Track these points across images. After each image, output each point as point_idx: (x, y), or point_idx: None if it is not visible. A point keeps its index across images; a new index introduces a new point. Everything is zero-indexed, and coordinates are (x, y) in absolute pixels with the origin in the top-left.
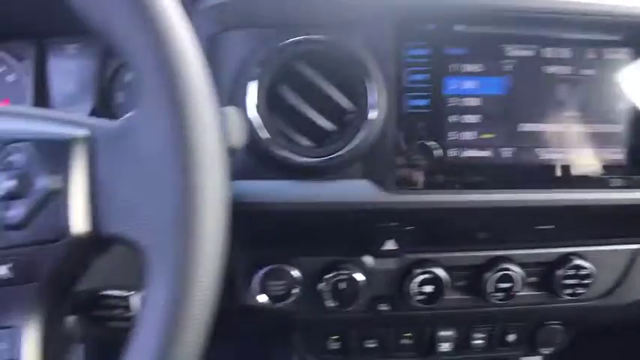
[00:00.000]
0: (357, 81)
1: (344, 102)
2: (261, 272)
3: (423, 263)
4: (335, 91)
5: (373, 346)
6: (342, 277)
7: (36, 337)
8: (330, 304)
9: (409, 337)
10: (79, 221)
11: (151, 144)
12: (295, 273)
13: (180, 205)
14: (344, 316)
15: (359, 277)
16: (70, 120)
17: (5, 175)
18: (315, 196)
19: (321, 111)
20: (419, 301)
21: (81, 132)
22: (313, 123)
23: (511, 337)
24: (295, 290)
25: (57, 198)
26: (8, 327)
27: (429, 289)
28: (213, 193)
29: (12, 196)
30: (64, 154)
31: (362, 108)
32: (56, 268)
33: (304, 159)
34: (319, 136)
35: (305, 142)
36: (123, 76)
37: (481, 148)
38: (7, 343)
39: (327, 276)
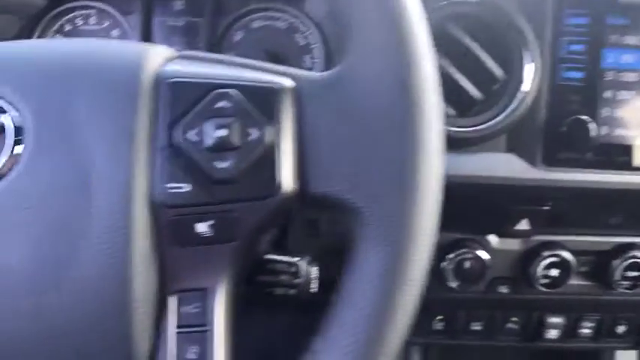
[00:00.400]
0: (512, 48)
1: (496, 69)
2: None
3: (550, 245)
4: (487, 58)
5: (478, 328)
6: (467, 255)
7: (226, 300)
8: (453, 283)
9: (515, 322)
10: (288, 179)
11: (371, 98)
12: None
13: (405, 163)
14: (456, 297)
15: (484, 256)
16: (273, 69)
17: (213, 123)
18: (455, 168)
19: (470, 78)
20: (543, 284)
21: (287, 82)
22: (461, 90)
23: (621, 329)
24: None
25: (269, 152)
26: (200, 289)
27: (555, 272)
28: (437, 152)
29: (222, 147)
30: (274, 105)
31: (515, 77)
32: (257, 228)
33: (446, 128)
34: (465, 105)
35: (448, 110)
36: (233, 36)
37: (636, 127)
38: (199, 307)
39: (450, 254)
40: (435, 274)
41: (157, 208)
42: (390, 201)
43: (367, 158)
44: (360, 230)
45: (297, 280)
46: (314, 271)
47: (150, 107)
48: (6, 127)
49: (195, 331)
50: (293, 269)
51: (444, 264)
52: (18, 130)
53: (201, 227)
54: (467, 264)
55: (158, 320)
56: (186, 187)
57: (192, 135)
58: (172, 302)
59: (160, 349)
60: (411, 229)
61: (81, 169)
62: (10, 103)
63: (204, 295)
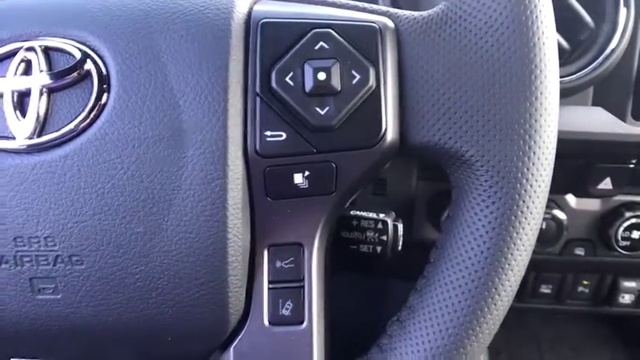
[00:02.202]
0: None
1: (587, 16)
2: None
3: (632, 206)
4: (578, 4)
5: (548, 291)
6: (544, 215)
7: (320, 256)
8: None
9: (587, 286)
10: (391, 126)
11: (484, 38)
12: None
13: (526, 109)
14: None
15: (562, 216)
16: (370, 8)
17: (313, 65)
18: None
19: (557, 26)
20: (622, 247)
21: (387, 21)
22: None
23: None
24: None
25: (372, 97)
26: (293, 244)
27: (636, 234)
28: (557, 96)
29: (322, 92)
30: (376, 46)
31: (606, 25)
32: (355, 180)
33: None
34: None
35: None
36: None
37: None
38: (292, 262)
39: None
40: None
41: (251, 158)
42: (507, 150)
43: (480, 103)
44: (468, 182)
45: (383, 237)
46: (400, 229)
47: (243, 50)
48: (91, 74)
49: (289, 286)
50: (380, 226)
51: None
52: (102, 78)
53: (298, 178)
54: (544, 224)
55: (251, 275)
56: (282, 135)
57: (289, 79)
58: (264, 257)
59: (253, 304)
60: (528, 181)
61: (172, 117)
62: (94, 50)
63: (297, 250)
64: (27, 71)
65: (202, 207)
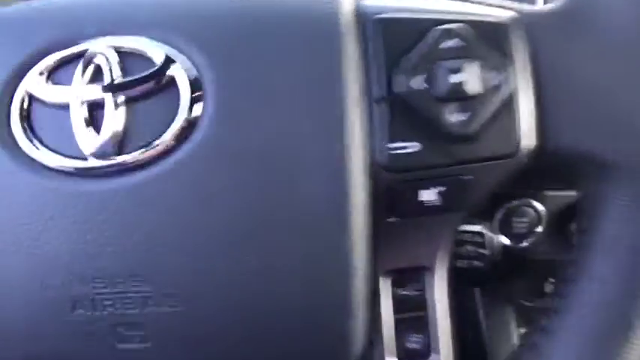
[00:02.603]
0: None
1: None
2: (503, 209)
3: None
4: None
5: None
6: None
7: (444, 278)
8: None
9: None
10: (528, 132)
11: (628, 30)
12: (541, 209)
13: None
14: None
15: None
16: (492, 2)
17: (445, 66)
18: None
19: None
20: None
21: (514, 16)
22: None
23: None
24: (538, 229)
25: (509, 100)
26: (417, 268)
27: None
28: None
29: (458, 96)
30: (509, 44)
31: None
32: (487, 192)
33: None
34: None
35: None
36: None
37: None
38: (418, 288)
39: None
40: (558, 233)
41: (375, 173)
42: None
43: (627, 104)
44: (613, 191)
45: (482, 251)
46: (502, 241)
47: (357, 51)
48: (176, 81)
49: (415, 315)
50: (478, 239)
51: (573, 225)
52: (193, 86)
53: (428, 194)
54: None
55: (372, 304)
56: (413, 147)
57: (418, 82)
58: (385, 284)
59: (375, 337)
60: None
61: (280, 131)
62: (180, 53)
63: (422, 274)
64: (96, 78)
65: (321, 232)
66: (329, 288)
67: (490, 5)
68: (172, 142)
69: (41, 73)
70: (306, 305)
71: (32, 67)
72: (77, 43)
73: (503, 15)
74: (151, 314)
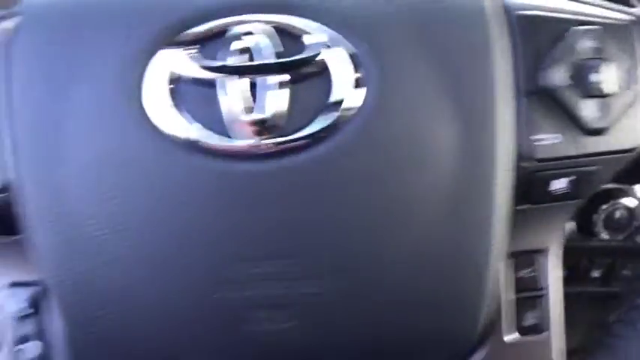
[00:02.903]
0: None
1: None
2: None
3: None
4: None
5: (597, 275)
6: (617, 206)
7: (559, 260)
8: (603, 234)
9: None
10: None
11: None
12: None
13: None
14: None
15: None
16: (607, 5)
17: (587, 65)
18: None
19: None
20: None
21: (632, 18)
22: None
23: None
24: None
25: (635, 100)
26: (537, 251)
27: None
28: None
29: (597, 93)
30: (633, 45)
31: None
32: (605, 182)
33: None
34: None
35: None
36: None
37: None
38: (536, 270)
39: (604, 205)
40: (584, 225)
41: (519, 162)
42: None
43: None
44: None
45: None
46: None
47: (506, 46)
48: (337, 67)
49: (532, 295)
50: None
51: (595, 216)
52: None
53: (559, 183)
54: (617, 214)
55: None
56: (555, 138)
57: (563, 78)
58: (508, 266)
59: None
60: None
61: (434, 120)
62: (344, 38)
63: (540, 257)
64: (246, 56)
65: (468, 213)
66: (471, 267)
67: (611, 9)
68: (332, 125)
69: (184, 49)
70: (447, 285)
71: (170, 41)
72: (219, 17)
73: (626, 18)
74: (297, 295)
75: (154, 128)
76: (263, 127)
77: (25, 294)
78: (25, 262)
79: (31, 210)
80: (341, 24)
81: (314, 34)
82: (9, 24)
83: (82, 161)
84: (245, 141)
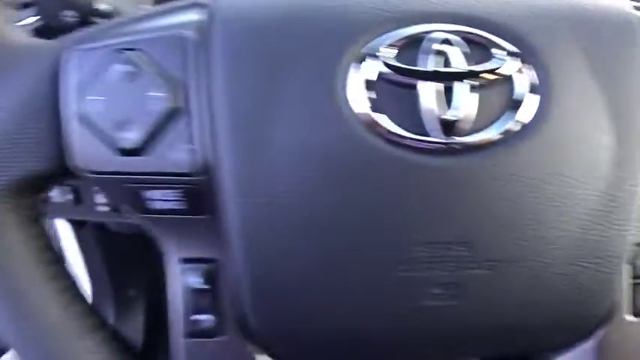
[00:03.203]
0: None
1: None
2: None
3: None
4: None
5: None
6: None
7: None
8: None
9: None
10: None
11: None
12: None
13: None
14: None
15: None
16: None
17: None
18: None
19: None
20: None
21: None
22: None
23: None
24: None
25: None
26: None
27: None
28: None
29: None
30: None
31: None
32: None
33: None
34: None
35: None
36: None
37: None
38: None
39: None
40: None
41: None
42: None
43: None
44: None
45: None
46: None
47: None
48: (518, 76)
49: None
50: None
51: None
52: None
53: None
54: None
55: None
56: None
57: None
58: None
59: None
60: None
61: (595, 128)
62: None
63: None
64: (444, 62)
65: (616, 210)
66: (613, 256)
67: None
68: (512, 127)
69: (391, 48)
70: (592, 271)
71: (372, 46)
72: (421, 23)
73: None
74: (467, 276)
75: (357, 123)
76: (456, 127)
77: (200, 270)
78: (199, 240)
79: (231, 192)
80: (518, 38)
81: (499, 46)
82: (200, 16)
83: (286, 152)
84: (440, 139)
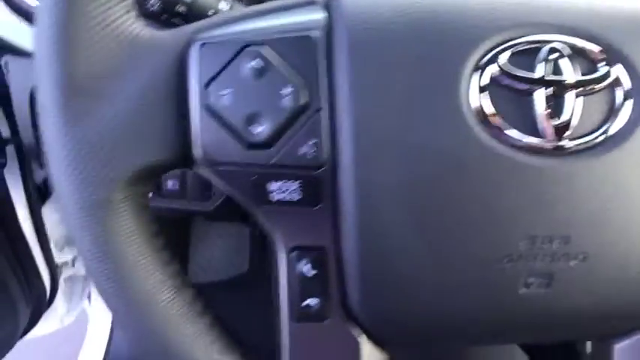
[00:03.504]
0: None
1: None
2: None
3: None
4: None
5: None
6: None
7: None
8: None
9: None
10: None
11: None
12: None
13: None
14: None
15: None
16: None
17: None
18: None
19: None
20: None
21: None
22: None
23: None
24: None
25: None
26: None
27: None
28: None
29: None
30: None
31: None
32: None
33: None
34: None
35: None
36: None
37: None
38: None
39: None
40: None
41: None
42: None
43: None
44: None
45: None
46: None
47: None
48: (618, 83)
49: None
50: None
51: None
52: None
53: None
54: None
55: None
56: None
57: None
58: None
59: None
60: None
61: None
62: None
63: None
64: (555, 70)
65: None
66: None
67: None
68: (612, 133)
69: (508, 55)
70: None
71: (490, 55)
72: (534, 34)
73: None
74: (560, 267)
75: (475, 124)
76: (565, 131)
77: (309, 257)
78: (308, 229)
79: (350, 185)
80: (616, 48)
81: (600, 55)
82: (322, 15)
83: (405, 149)
84: (552, 142)
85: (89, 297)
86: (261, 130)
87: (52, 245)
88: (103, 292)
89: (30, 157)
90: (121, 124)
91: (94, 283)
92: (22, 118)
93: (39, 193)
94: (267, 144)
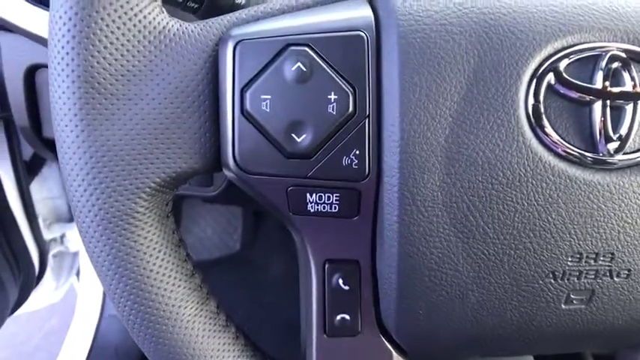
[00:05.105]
0: None
1: None
2: None
3: None
4: None
5: None
6: None
7: None
8: None
9: None
10: None
11: None
12: None
13: None
14: None
15: None
16: None
17: None
18: None
19: None
20: None
21: None
22: None
23: None
24: None
25: None
26: None
27: None
28: None
29: None
30: None
31: None
32: None
33: None
34: None
35: None
36: None
37: None
38: None
39: None
40: None
41: None
42: None
43: None
44: None
45: None
46: None
47: None
48: None
49: None
50: None
51: None
52: None
53: None
54: None
55: None
56: None
57: None
58: None
59: None
60: None
61: None
62: None
63: None
64: (614, 80)
65: None
66: None
67: None
68: None
69: (566, 63)
70: None
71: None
72: (594, 41)
73: None
74: (602, 283)
75: (529, 134)
76: (621, 145)
77: (343, 270)
78: (343, 242)
79: (394, 199)
80: None
81: None
82: (368, 13)
83: (454, 160)
84: (608, 156)
85: (78, 273)
86: (304, 140)
87: (40, 222)
88: (121, 309)
89: (20, 134)
90: (146, 129)
91: (111, 299)
92: (13, 94)
93: (27, 170)
94: (309, 155)
